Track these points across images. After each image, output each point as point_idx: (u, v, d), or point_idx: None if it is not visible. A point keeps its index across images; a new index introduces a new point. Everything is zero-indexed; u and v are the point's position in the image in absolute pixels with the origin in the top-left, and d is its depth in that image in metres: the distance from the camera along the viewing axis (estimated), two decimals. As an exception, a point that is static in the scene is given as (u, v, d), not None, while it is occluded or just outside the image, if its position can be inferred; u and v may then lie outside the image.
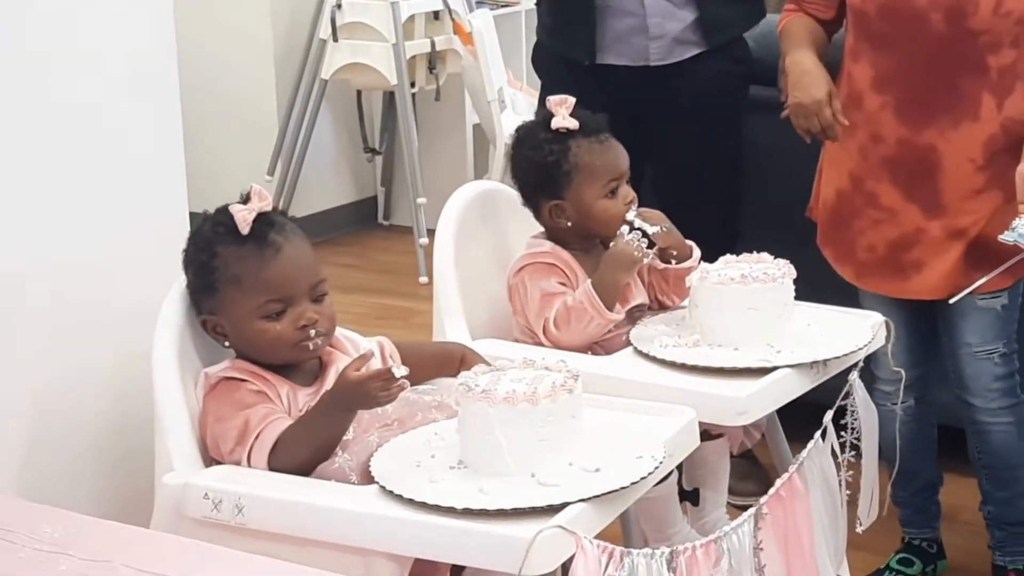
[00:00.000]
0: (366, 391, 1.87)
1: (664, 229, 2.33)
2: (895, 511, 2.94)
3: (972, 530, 3.01)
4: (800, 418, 2.31)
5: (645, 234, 2.31)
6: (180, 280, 2.02)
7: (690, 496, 2.43)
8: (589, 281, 2.29)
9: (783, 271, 2.24)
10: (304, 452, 1.89)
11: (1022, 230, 2.40)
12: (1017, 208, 2.45)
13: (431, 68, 5.29)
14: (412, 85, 5.25)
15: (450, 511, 1.72)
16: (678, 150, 3.04)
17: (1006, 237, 2.43)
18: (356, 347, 2.07)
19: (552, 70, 3.17)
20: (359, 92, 5.50)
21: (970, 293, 2.56)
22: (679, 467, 2.37)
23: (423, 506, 1.74)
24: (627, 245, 2.29)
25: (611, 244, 2.31)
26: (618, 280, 2.29)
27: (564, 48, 3.11)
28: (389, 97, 5.51)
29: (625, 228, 2.32)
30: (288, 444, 1.89)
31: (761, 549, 1.97)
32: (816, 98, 2.61)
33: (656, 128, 3.02)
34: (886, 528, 2.81)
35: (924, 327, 2.77)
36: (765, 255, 2.30)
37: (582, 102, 2.41)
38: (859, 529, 2.35)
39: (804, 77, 2.65)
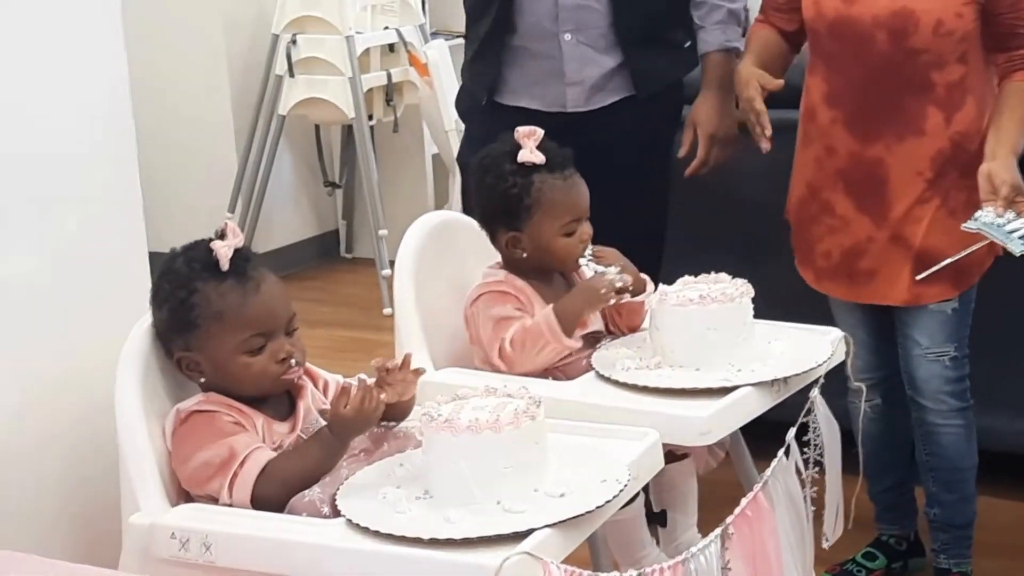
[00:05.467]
0: (364, 414, 1.90)
1: (618, 269, 2.33)
2: (869, 525, 2.99)
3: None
4: (764, 436, 2.33)
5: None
6: (143, 318, 2.02)
7: (658, 518, 2.44)
8: (551, 306, 2.30)
9: (741, 290, 2.26)
10: (293, 482, 1.91)
11: (985, 219, 2.45)
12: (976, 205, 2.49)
13: (388, 100, 5.30)
14: (370, 118, 5.26)
15: (417, 541, 1.72)
16: (600, 198, 2.73)
17: (969, 226, 2.48)
18: (320, 378, 2.09)
19: (464, 107, 3.12)
20: (317, 127, 5.51)
21: (937, 271, 2.58)
22: (646, 490, 2.39)
23: (390, 538, 1.74)
24: (600, 283, 2.29)
25: (587, 277, 2.33)
26: (581, 312, 2.30)
27: (469, 83, 3.05)
28: (348, 130, 5.53)
29: (606, 270, 2.31)
30: (278, 473, 1.91)
31: (729, 569, 1.98)
32: (744, 96, 2.71)
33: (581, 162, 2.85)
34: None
35: (886, 330, 2.83)
36: (723, 275, 2.32)
37: (481, 145, 2.40)
38: (825, 545, 2.36)
39: (736, 81, 2.77)
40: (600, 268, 2.33)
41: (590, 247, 2.37)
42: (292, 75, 5.13)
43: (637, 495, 2.30)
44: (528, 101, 2.91)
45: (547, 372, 2.32)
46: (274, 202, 5.46)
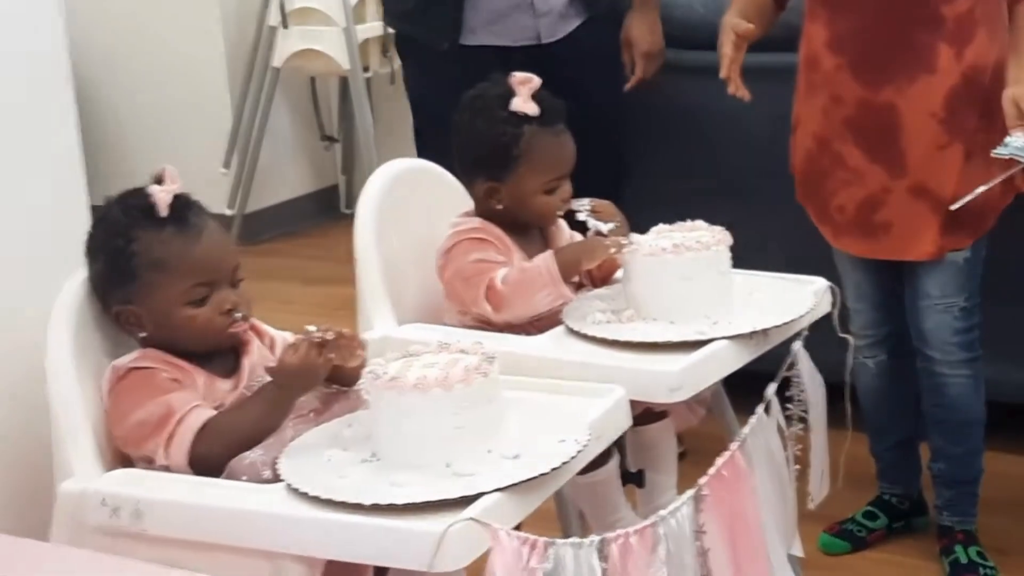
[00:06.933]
0: (311, 367, 1.80)
1: (618, 224, 2.23)
2: (870, 483, 2.91)
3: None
4: (752, 389, 2.20)
5: (601, 235, 2.21)
6: (76, 272, 1.91)
7: (635, 479, 2.32)
8: (551, 251, 2.19)
9: (718, 238, 2.14)
10: (233, 441, 1.80)
11: (1016, 144, 2.36)
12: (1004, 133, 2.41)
13: (385, 52, 5.18)
14: (366, 70, 5.15)
15: (358, 508, 1.62)
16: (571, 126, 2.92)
17: (1000, 152, 2.39)
18: (267, 334, 1.98)
19: (412, 56, 3.03)
20: (313, 79, 5.40)
21: (970, 202, 2.49)
22: (621, 449, 2.28)
23: (330, 503, 1.64)
24: (603, 242, 2.17)
25: (590, 234, 2.24)
26: (580, 262, 2.19)
27: (424, 33, 2.94)
28: (344, 83, 5.41)
29: (604, 225, 2.21)
30: (219, 431, 1.80)
31: (703, 532, 1.88)
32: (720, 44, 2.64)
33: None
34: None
35: (894, 284, 2.74)
36: (700, 222, 2.20)
37: (446, 90, 2.29)
38: (811, 505, 2.26)
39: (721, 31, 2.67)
40: (599, 223, 2.22)
41: (587, 200, 2.26)
42: (286, 26, 5.02)
43: (611, 455, 2.19)
44: (494, 38, 2.86)
45: (526, 326, 2.20)
46: (271, 157, 5.35)
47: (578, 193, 2.30)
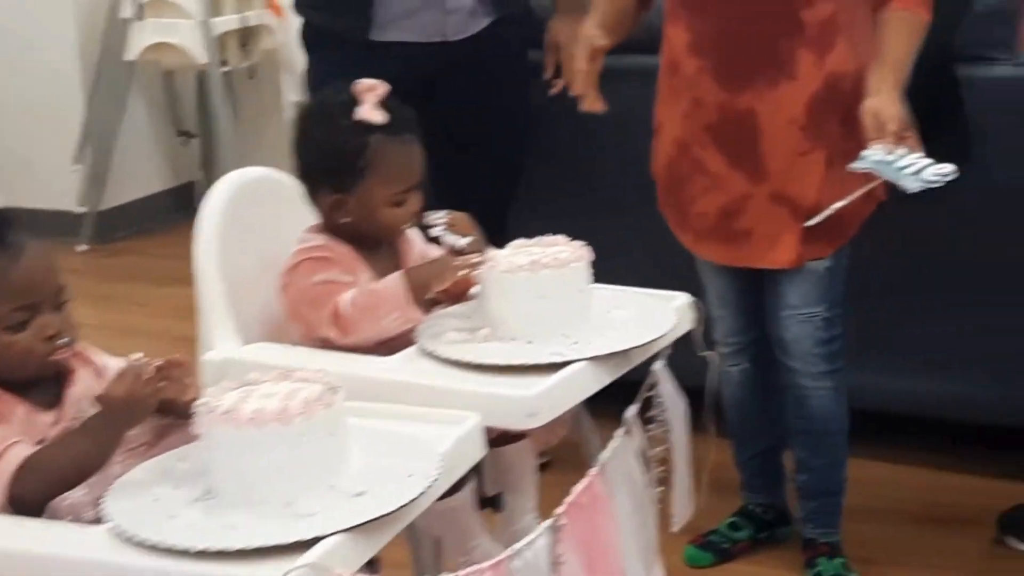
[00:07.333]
0: (138, 398, 1.67)
1: (474, 239, 2.13)
2: (735, 492, 2.89)
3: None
4: (619, 398, 2.10)
5: (457, 250, 2.11)
6: None
7: (492, 503, 2.23)
8: (401, 272, 2.08)
9: (576, 254, 2.05)
10: (55, 479, 1.66)
11: (874, 157, 2.30)
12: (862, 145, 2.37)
13: (243, 45, 5.04)
14: (224, 64, 4.99)
15: (184, 554, 1.50)
16: (473, 126, 2.89)
17: (858, 166, 2.33)
18: (94, 363, 1.85)
19: (319, 48, 2.96)
20: (169, 73, 5.23)
21: (829, 216, 2.45)
22: (478, 472, 2.19)
23: (155, 549, 1.52)
24: (454, 264, 2.07)
25: (443, 244, 2.14)
26: (430, 285, 2.08)
27: (334, 24, 2.89)
28: (202, 77, 5.25)
29: (459, 240, 2.11)
30: (39, 469, 1.66)
31: (561, 563, 1.79)
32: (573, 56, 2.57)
33: (447, 105, 2.85)
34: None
35: (755, 291, 2.69)
36: (559, 237, 2.11)
37: None
38: (675, 528, 2.19)
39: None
40: (455, 238, 2.12)
41: (443, 213, 2.16)
42: (141, 19, 4.85)
43: (467, 479, 2.09)
44: (403, 34, 2.82)
45: (375, 347, 2.09)
46: (125, 153, 5.18)
47: (470, 199, 2.23)
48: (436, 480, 1.64)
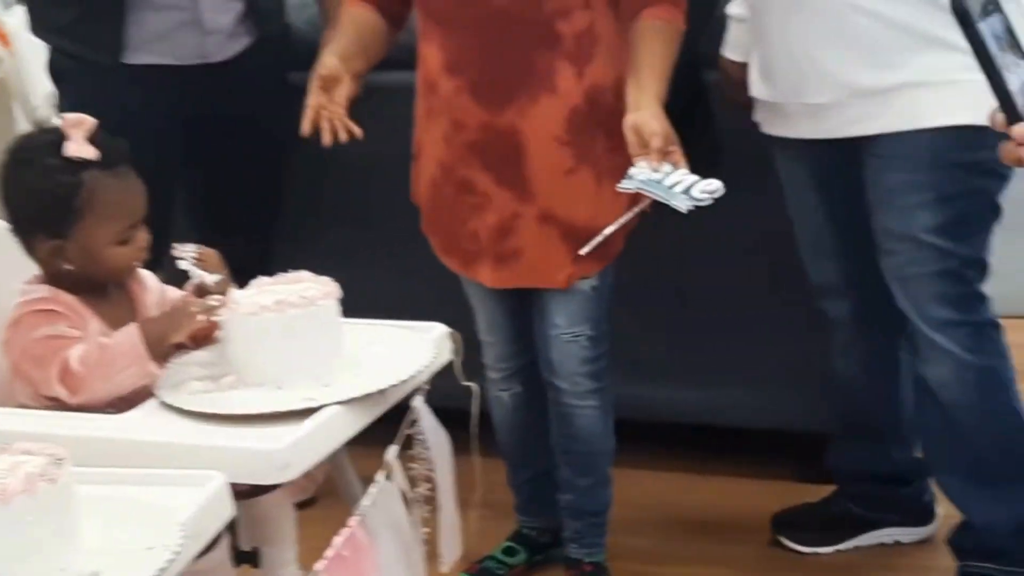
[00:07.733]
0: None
1: (223, 276, 2.01)
2: (511, 515, 2.83)
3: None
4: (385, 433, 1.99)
5: (204, 287, 1.99)
6: None
7: (249, 558, 2.10)
8: (135, 324, 1.93)
9: (324, 291, 1.93)
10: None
11: (641, 176, 2.21)
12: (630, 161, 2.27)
13: (-30, 72, 4.76)
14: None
15: None
16: (232, 149, 2.77)
17: (625, 185, 2.23)
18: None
19: (69, 75, 2.79)
20: None
21: (599, 243, 2.35)
22: (233, 527, 2.05)
23: None
24: (195, 305, 1.94)
25: (189, 281, 2.01)
26: (168, 337, 1.94)
27: (81, 49, 2.74)
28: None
29: (206, 276, 2.00)
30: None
31: (325, 618, 1.68)
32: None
33: (207, 128, 2.76)
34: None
35: (526, 314, 2.63)
36: (304, 273, 1.99)
37: (108, 112, 2.04)
38: (444, 567, 2.09)
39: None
40: (202, 274, 1.99)
41: (192, 247, 2.02)
42: None
43: (220, 537, 1.96)
44: (159, 57, 2.72)
45: (117, 401, 1.94)
46: None
47: (232, 227, 2.09)
48: (179, 552, 1.50)
